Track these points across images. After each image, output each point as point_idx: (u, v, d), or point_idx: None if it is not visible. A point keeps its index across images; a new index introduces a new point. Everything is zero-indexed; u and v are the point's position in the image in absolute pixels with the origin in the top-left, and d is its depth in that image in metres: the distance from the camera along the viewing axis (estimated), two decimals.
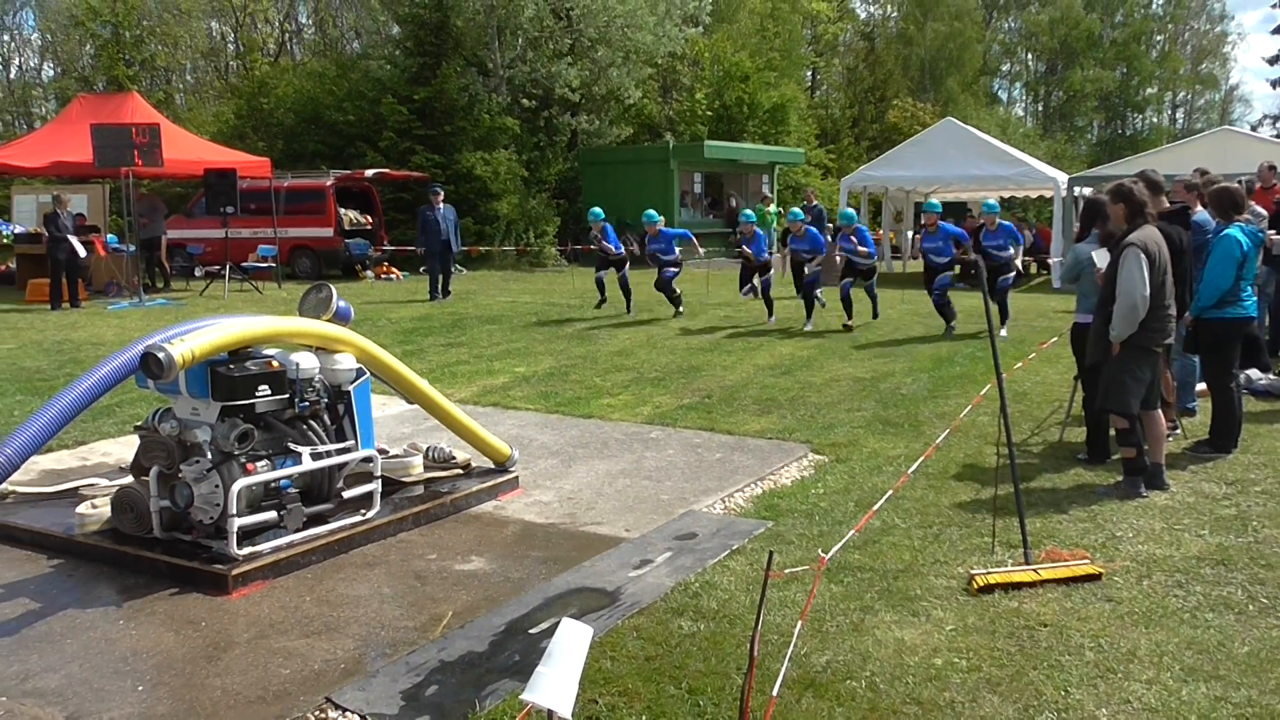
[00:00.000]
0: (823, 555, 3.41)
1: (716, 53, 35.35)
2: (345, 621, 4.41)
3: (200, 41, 44.80)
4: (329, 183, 21.81)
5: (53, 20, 49.03)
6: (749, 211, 16.00)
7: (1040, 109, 68.17)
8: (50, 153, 19.55)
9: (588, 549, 5.30)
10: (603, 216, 15.52)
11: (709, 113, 33.90)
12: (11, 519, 5.50)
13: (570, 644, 2.43)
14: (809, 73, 50.67)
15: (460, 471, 6.36)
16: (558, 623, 4.31)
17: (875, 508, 4.50)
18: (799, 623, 3.45)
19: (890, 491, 4.98)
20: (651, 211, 15.18)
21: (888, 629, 4.26)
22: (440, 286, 17.31)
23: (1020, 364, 8.91)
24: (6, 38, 54.06)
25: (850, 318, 13.49)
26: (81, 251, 16.22)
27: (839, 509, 5.88)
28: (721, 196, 30.11)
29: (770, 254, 24.58)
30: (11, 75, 54.20)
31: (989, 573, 4.72)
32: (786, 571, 4.52)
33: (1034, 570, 4.75)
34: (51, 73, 51.47)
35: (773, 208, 24.51)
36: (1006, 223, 13.04)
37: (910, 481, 6.08)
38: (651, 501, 6.11)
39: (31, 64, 54.23)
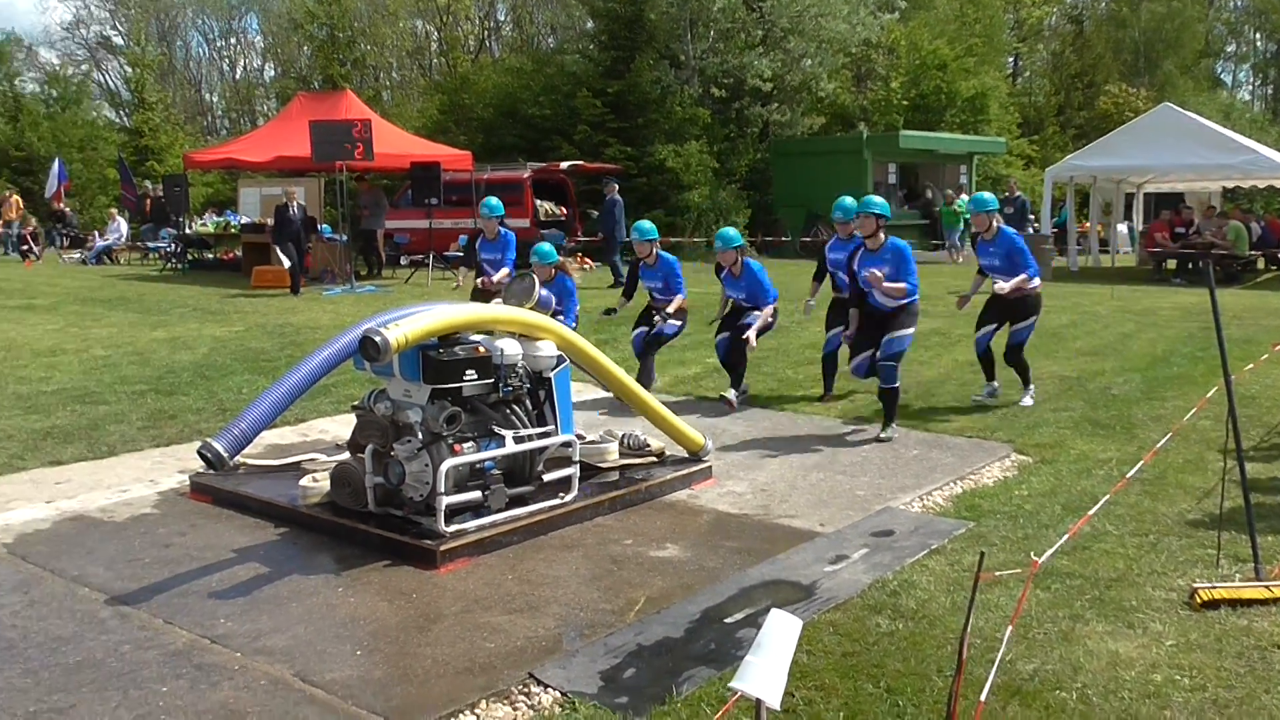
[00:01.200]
0: (1035, 559, 3.27)
1: (913, 40, 34.40)
2: (545, 601, 4.53)
3: (406, 41, 46.90)
4: (526, 175, 22.43)
5: (275, 24, 52.34)
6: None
7: (1270, 92, 63.24)
8: (272, 148, 20.88)
9: (781, 541, 5.27)
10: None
11: (904, 102, 33.05)
12: (243, 489, 5.91)
13: (779, 635, 2.41)
14: (1011, 59, 48.66)
15: (655, 459, 6.43)
16: (753, 613, 4.35)
17: (1091, 512, 4.28)
18: (1007, 628, 3.33)
19: (1106, 496, 4.73)
20: (644, 224, 8.94)
21: (1100, 640, 4.05)
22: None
23: (1250, 365, 8.31)
24: (233, 41, 58.05)
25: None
26: (285, 261, 17.08)
27: (1045, 512, 5.64)
28: (917, 187, 29.30)
29: (959, 247, 23.91)
30: (237, 76, 58.18)
31: (1214, 587, 4.43)
32: (995, 574, 4.37)
33: (1266, 588, 4.42)
34: (272, 73, 54.98)
35: (961, 200, 23.71)
36: (1010, 230, 8.34)
37: (1124, 487, 5.76)
38: (847, 496, 6.02)
39: (255, 65, 58.05)
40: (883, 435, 7.29)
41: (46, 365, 10.15)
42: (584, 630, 4.25)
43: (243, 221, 23.38)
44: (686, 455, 6.52)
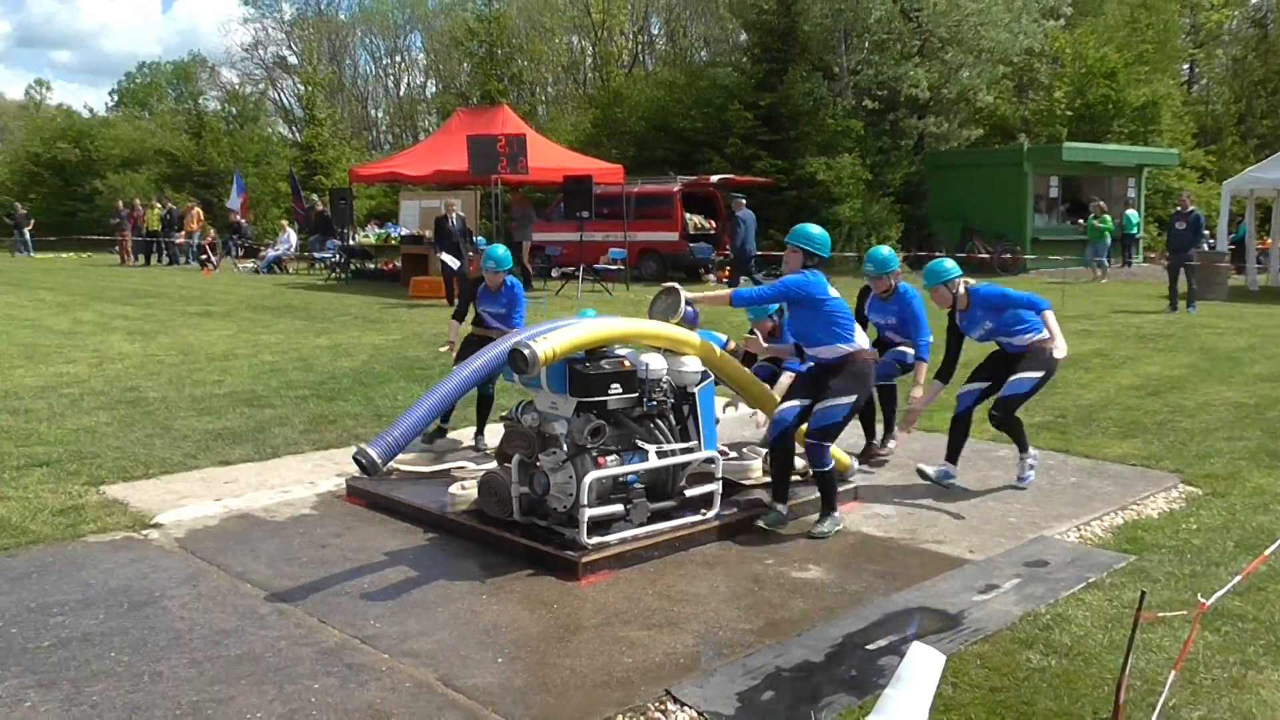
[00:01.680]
0: (1202, 600, 3.07)
1: (1079, 48, 33.10)
2: (685, 618, 4.52)
3: (562, 56, 47.84)
4: (676, 188, 22.56)
5: (437, 42, 54.18)
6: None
7: None
8: (432, 162, 21.60)
9: (928, 568, 5.12)
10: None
11: (1068, 112, 31.80)
12: (396, 494, 6.10)
13: (921, 670, 2.33)
14: (1186, 66, 46.28)
15: (798, 478, 6.34)
16: (896, 640, 4.24)
17: (1269, 551, 4.01)
18: (1171, 672, 3.14)
19: None
20: (879, 251, 7.32)
21: (1276, 689, 3.79)
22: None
23: None
24: (398, 58, 60.32)
25: None
26: (454, 263, 17.54)
27: (1215, 548, 5.31)
28: (1083, 201, 28.18)
29: (1106, 265, 22.74)
30: (401, 92, 60.40)
31: None
32: (1159, 614, 4.13)
33: None
34: (434, 89, 56.87)
35: (1106, 219, 22.69)
36: (990, 289, 6.55)
37: None
38: (998, 523, 5.81)
39: (418, 82, 60.16)
40: (814, 532, 5.60)
41: (220, 369, 10.73)
42: (723, 649, 4.21)
43: (402, 233, 24.25)
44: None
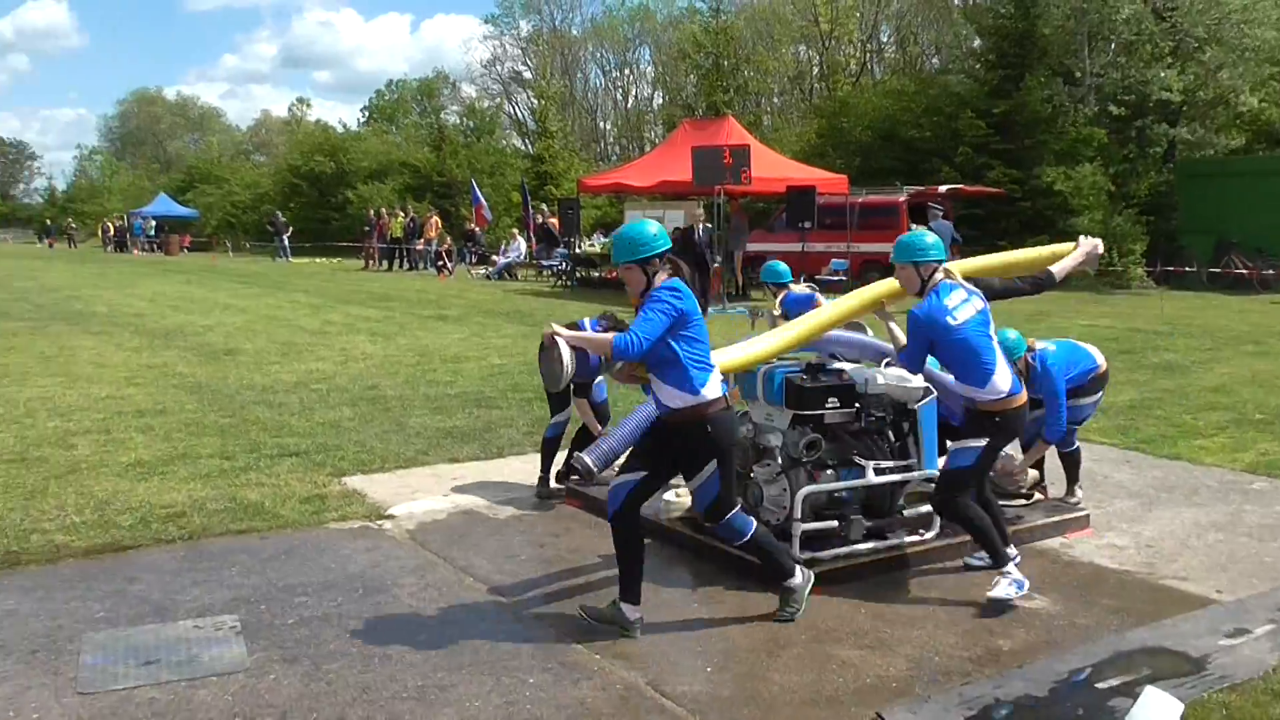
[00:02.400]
0: None
1: None
2: (898, 640, 4.39)
3: (788, 66, 47.63)
4: (902, 198, 22.01)
5: (665, 54, 55.07)
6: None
7: None
8: (657, 173, 21.96)
9: (1168, 606, 4.77)
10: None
11: None
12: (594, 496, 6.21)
13: (1156, 715, 2.17)
14: None
15: (1024, 502, 6.05)
16: (1129, 681, 3.96)
17: None
18: None
19: None
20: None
21: None
22: None
23: None
24: (626, 71, 61.70)
25: None
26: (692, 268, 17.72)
27: None
28: None
29: None
30: (629, 105, 61.75)
31: None
32: None
33: None
34: (660, 101, 57.81)
35: None
36: (1042, 351, 5.83)
37: None
38: (1252, 562, 5.34)
39: (645, 94, 61.33)
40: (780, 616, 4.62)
41: (452, 370, 11.27)
42: (938, 676, 4.07)
43: None
44: (1059, 501, 6.09)
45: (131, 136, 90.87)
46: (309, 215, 47.88)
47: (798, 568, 4.67)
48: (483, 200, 32.93)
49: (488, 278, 27.73)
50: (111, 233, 53.61)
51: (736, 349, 5.29)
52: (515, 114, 62.07)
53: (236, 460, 7.26)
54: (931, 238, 4.99)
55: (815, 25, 43.94)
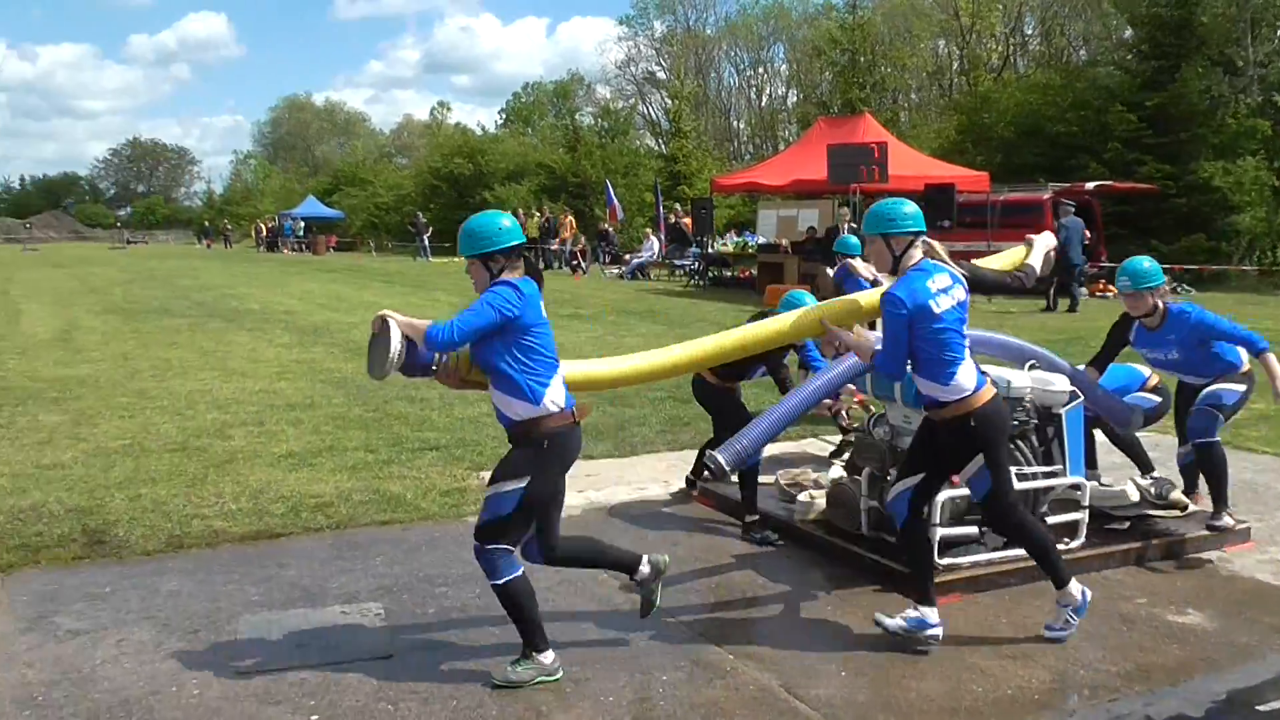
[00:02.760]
0: None
1: None
2: (1040, 651, 4.25)
3: (926, 62, 46.61)
4: (1046, 196, 21.30)
5: (799, 52, 54.58)
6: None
7: None
8: (791, 172, 21.79)
9: None
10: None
11: None
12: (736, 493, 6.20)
13: None
14: None
15: (1179, 513, 5.78)
16: None
17: None
18: None
19: None
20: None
21: None
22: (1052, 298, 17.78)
23: None
24: (760, 70, 61.35)
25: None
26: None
27: None
28: None
29: None
30: (762, 104, 61.40)
31: None
32: None
33: None
34: (794, 99, 57.33)
35: None
36: (1202, 314, 5.47)
37: None
38: None
39: (779, 92, 60.90)
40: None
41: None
42: (1084, 690, 3.93)
43: (760, 241, 24.63)
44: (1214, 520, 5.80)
45: (282, 141, 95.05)
46: (448, 216, 49.11)
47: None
48: (616, 201, 33.26)
49: (621, 277, 27.98)
50: (264, 233, 56.15)
51: (600, 364, 4.80)
52: (649, 114, 62.47)
53: (380, 453, 7.51)
54: (910, 207, 4.26)
55: (955, 19, 42.90)
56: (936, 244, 4.26)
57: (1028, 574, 5.01)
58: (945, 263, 4.22)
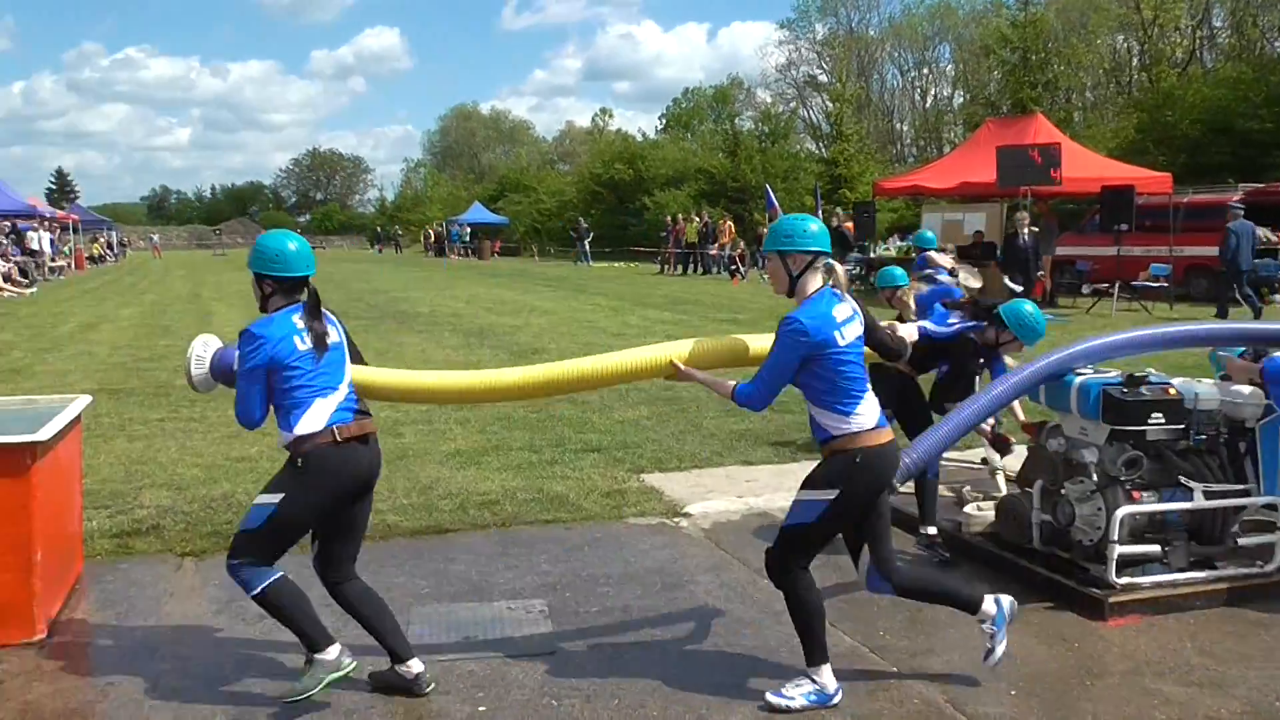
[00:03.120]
0: None
1: None
2: (1232, 680, 4.01)
3: (1103, 58, 44.60)
4: (1235, 197, 20.07)
5: (966, 51, 53.10)
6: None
7: None
8: (956, 175, 21.20)
9: None
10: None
11: None
12: (910, 509, 6.05)
13: None
14: None
15: None
16: None
17: None
18: None
19: None
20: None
21: None
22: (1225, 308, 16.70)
23: None
24: (925, 71, 59.97)
25: None
26: (1016, 287, 16.38)
27: None
28: None
29: None
30: (927, 105, 60.00)
31: None
32: None
33: None
34: (960, 100, 55.80)
35: None
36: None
37: None
38: None
39: (944, 93, 59.40)
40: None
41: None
42: None
43: None
44: None
45: (450, 149, 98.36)
46: (608, 221, 49.95)
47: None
48: (776, 204, 33.09)
49: None
50: (432, 239, 58.21)
51: (395, 374, 4.55)
52: (810, 118, 61.91)
53: (543, 453, 7.67)
54: (815, 225, 3.89)
55: (1136, 12, 40.93)
56: (839, 269, 3.91)
57: (1215, 598, 4.75)
58: (844, 293, 3.89)
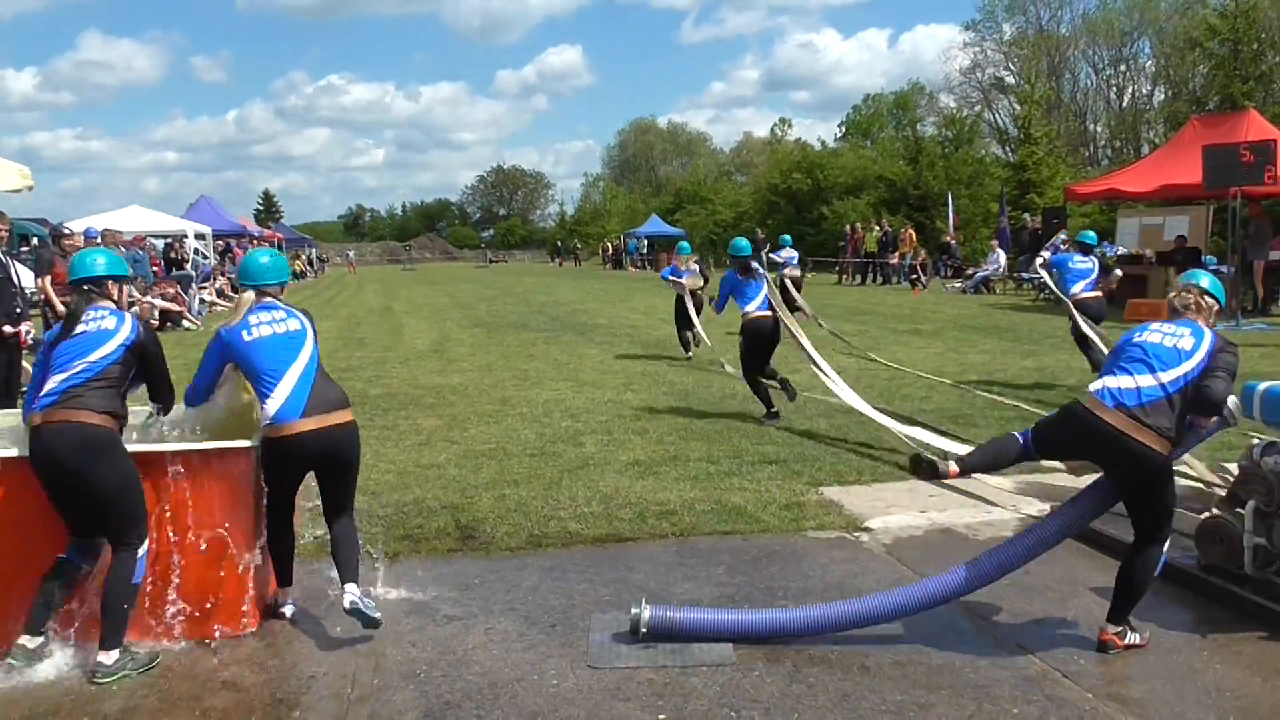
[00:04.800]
0: None
1: None
2: None
3: None
4: None
5: (1168, 45, 50.21)
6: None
7: None
8: (1157, 176, 20.09)
9: None
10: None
11: None
12: (1105, 527, 5.76)
13: None
14: None
15: None
16: None
17: None
18: None
19: None
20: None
21: None
22: None
23: None
24: (1122, 68, 56.99)
25: None
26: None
27: None
28: None
29: None
30: (1123, 104, 57.02)
31: None
32: None
33: None
34: (1161, 97, 52.81)
35: None
36: None
37: None
38: None
39: (1143, 91, 56.31)
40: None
41: (926, 386, 11.10)
42: None
43: (1120, 252, 22.86)
44: None
45: (628, 163, 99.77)
46: (786, 231, 49.53)
47: None
48: (956, 213, 32.20)
49: (963, 291, 26.97)
50: (610, 251, 59.16)
51: None
52: (995, 121, 59.89)
53: (721, 465, 7.68)
54: (267, 257, 4.93)
55: None
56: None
57: None
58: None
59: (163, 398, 4.74)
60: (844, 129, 71.05)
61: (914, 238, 32.54)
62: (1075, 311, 10.66)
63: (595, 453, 8.16)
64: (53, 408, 4.23)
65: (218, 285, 26.35)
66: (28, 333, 8.25)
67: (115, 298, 4.65)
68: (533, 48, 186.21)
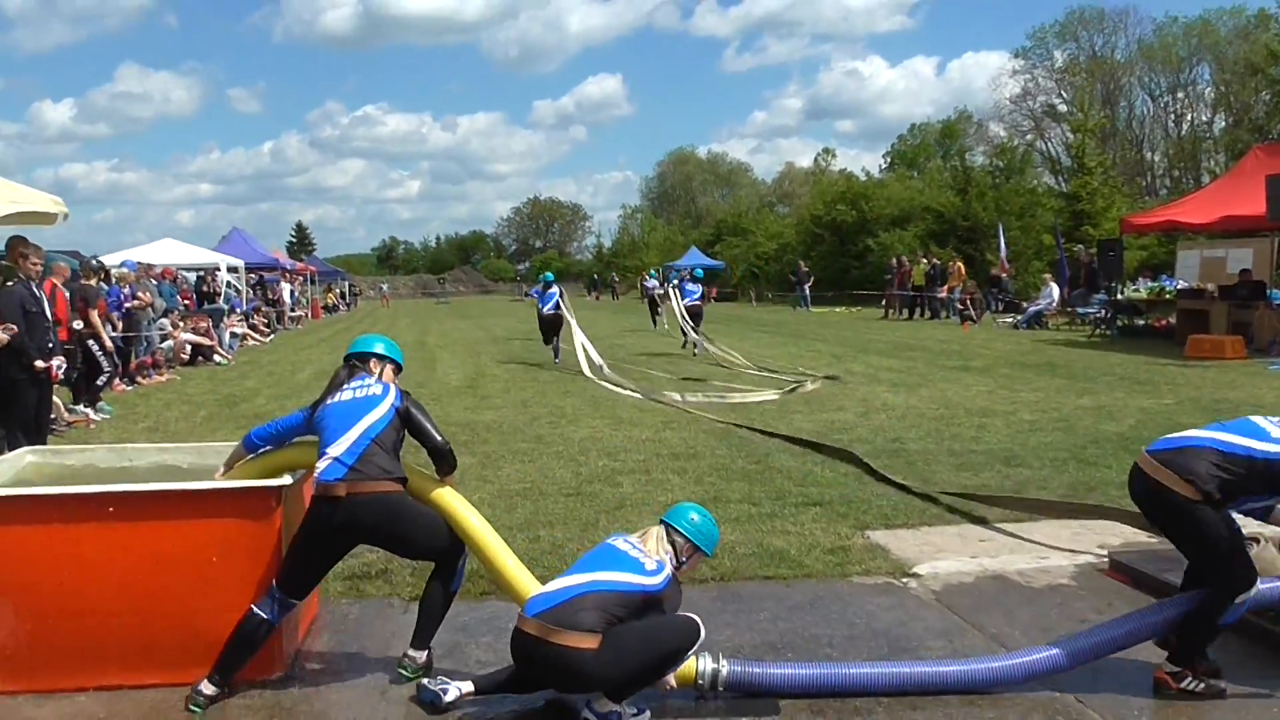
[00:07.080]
0: None
1: None
2: None
3: None
4: None
5: (1228, 71, 49.44)
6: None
7: None
8: (1218, 208, 19.64)
9: None
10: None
11: None
12: (1167, 575, 5.49)
13: None
14: None
15: None
16: None
17: None
18: None
19: None
20: None
21: None
22: None
23: None
24: (1180, 95, 56.16)
25: None
26: None
27: None
28: None
29: None
30: (1182, 132, 56.15)
31: None
32: None
33: None
34: (1222, 124, 51.95)
35: None
36: None
37: None
38: None
39: (1202, 119, 55.43)
40: None
41: (977, 425, 10.81)
42: None
43: (1179, 286, 22.42)
44: None
45: (667, 195, 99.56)
46: (829, 264, 49.20)
47: None
48: (1005, 244, 31.75)
49: (1015, 326, 26.51)
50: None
51: None
52: (1048, 150, 59.31)
53: (763, 506, 7.48)
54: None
55: None
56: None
57: None
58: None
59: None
60: (889, 159, 70.69)
61: (963, 270, 32.08)
62: None
63: (633, 493, 8.00)
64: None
65: (251, 321, 26.55)
66: (59, 367, 8.24)
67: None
68: (571, 78, 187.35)
